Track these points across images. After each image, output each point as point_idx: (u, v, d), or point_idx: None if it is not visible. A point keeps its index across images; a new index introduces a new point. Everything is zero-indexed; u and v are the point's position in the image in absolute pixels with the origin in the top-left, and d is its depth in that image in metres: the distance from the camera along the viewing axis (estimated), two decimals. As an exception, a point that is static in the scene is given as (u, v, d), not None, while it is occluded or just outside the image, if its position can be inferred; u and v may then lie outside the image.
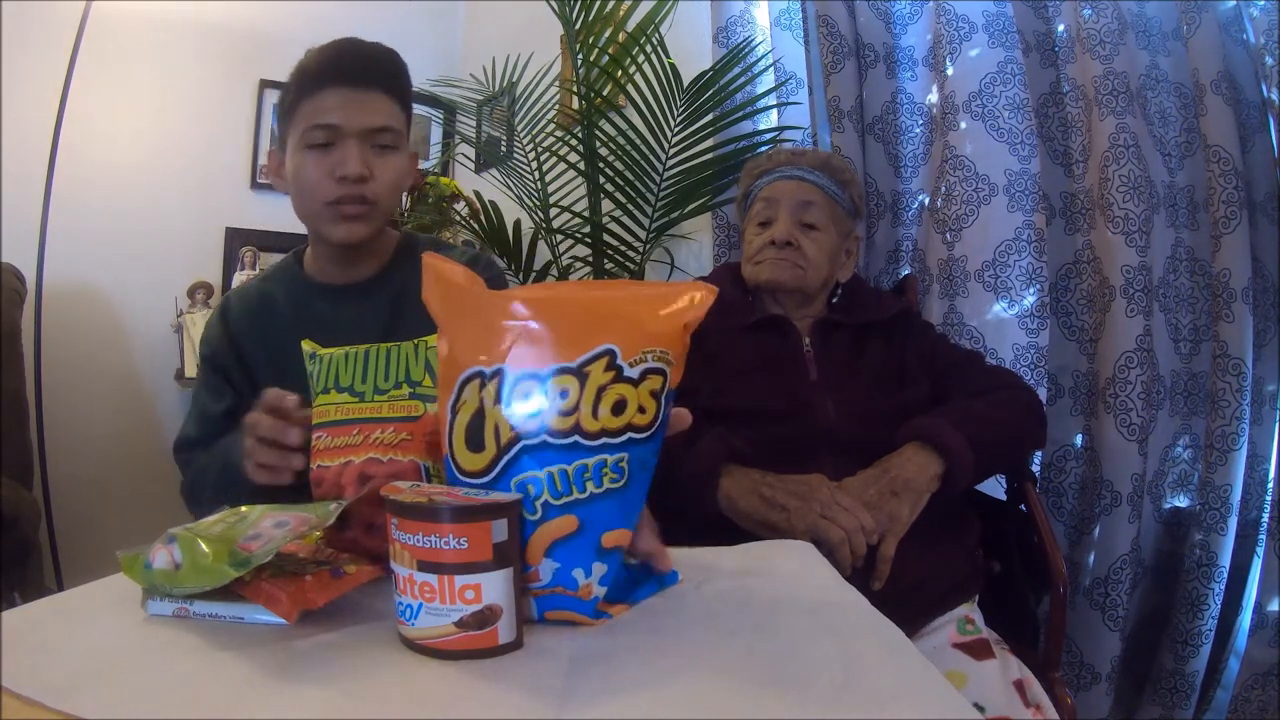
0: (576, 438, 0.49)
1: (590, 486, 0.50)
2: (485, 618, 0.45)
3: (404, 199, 2.27)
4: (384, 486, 0.49)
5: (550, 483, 0.50)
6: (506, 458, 0.50)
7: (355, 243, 0.98)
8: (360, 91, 0.93)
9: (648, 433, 0.51)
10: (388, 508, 0.48)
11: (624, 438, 0.50)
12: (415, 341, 0.67)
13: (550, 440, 0.50)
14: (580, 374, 0.50)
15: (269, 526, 0.52)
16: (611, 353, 0.50)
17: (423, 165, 2.74)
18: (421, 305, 0.69)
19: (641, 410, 0.51)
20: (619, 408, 0.50)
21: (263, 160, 2.60)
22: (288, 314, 1.02)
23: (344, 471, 0.63)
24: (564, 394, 0.50)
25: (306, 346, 0.71)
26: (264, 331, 1.02)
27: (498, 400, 0.50)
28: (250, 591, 0.51)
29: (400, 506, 0.46)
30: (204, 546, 0.50)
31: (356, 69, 0.94)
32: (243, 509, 0.57)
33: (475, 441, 0.51)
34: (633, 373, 0.50)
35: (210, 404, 1.01)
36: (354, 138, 0.93)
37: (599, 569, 0.51)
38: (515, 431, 0.50)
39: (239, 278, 2.40)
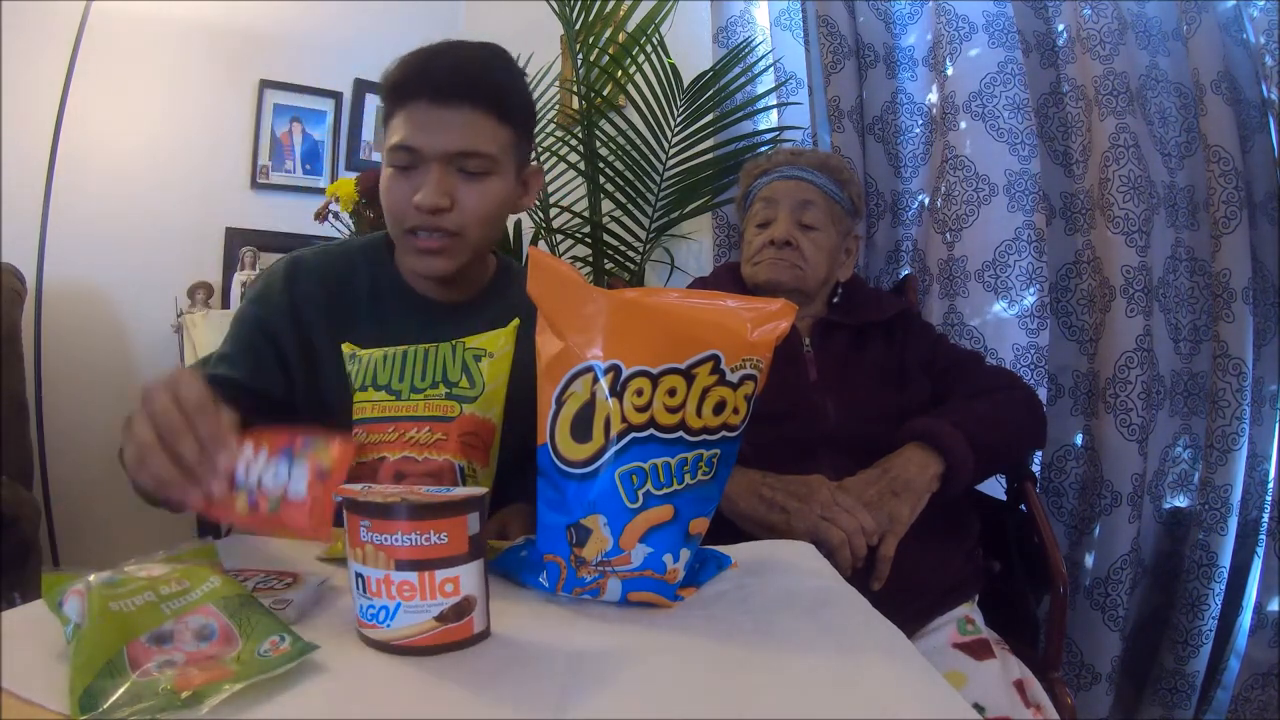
0: (681, 433, 0.54)
1: (688, 478, 0.54)
2: (463, 608, 0.46)
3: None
4: (336, 489, 0.49)
5: (654, 474, 0.53)
6: (615, 448, 0.53)
7: (431, 278, 0.88)
8: (447, 109, 0.81)
9: (737, 432, 0.56)
10: (359, 512, 0.47)
11: (719, 435, 0.55)
12: (454, 342, 0.68)
13: (657, 434, 0.53)
14: (688, 375, 0.54)
15: (191, 628, 0.43)
16: (716, 358, 0.54)
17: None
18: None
19: (735, 411, 0.55)
20: (719, 408, 0.54)
21: (263, 160, 2.59)
22: (369, 312, 0.90)
23: (379, 468, 0.65)
24: (672, 392, 0.53)
25: (346, 349, 0.73)
26: (338, 323, 0.88)
27: (611, 393, 0.53)
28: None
29: (379, 508, 0.46)
30: (99, 622, 0.42)
31: (444, 81, 0.82)
32: (205, 572, 0.47)
33: (582, 432, 0.54)
34: (733, 377, 0.54)
35: (238, 359, 0.86)
36: (436, 162, 0.82)
37: (685, 554, 0.55)
38: (626, 424, 0.53)
39: (239, 278, 2.40)
